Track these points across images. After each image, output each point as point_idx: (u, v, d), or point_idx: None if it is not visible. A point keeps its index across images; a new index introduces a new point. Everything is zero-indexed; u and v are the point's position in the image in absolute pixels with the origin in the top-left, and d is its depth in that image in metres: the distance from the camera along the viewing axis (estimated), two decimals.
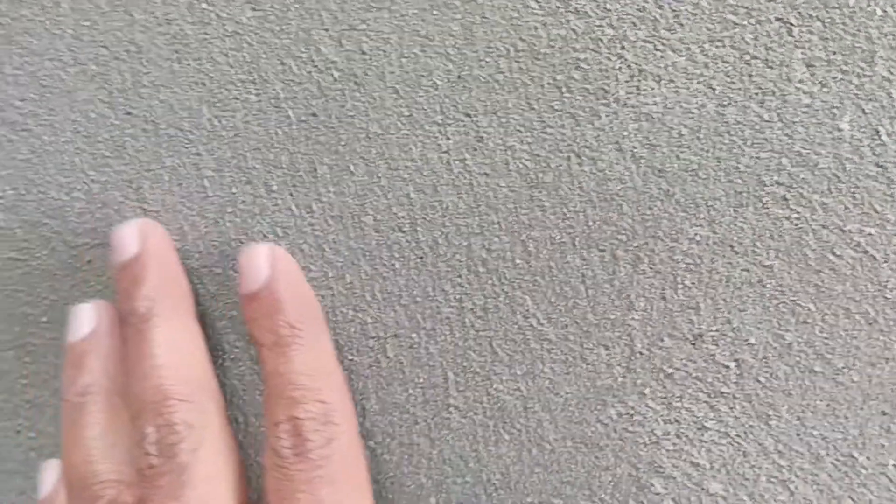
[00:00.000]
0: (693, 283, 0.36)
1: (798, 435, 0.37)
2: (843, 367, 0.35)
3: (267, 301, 0.37)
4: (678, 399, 0.38)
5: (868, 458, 0.36)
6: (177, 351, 0.37)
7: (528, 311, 0.38)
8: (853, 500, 0.37)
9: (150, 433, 0.33)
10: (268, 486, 0.36)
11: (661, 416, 0.38)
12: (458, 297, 0.39)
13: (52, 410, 0.44)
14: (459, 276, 0.38)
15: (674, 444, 0.38)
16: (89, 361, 0.39)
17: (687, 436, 0.38)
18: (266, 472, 0.36)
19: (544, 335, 0.38)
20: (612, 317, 0.37)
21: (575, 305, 0.37)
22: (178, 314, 0.39)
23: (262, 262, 0.38)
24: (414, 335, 0.40)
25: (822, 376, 0.36)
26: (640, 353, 0.37)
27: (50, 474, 0.41)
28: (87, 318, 0.40)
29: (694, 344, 0.37)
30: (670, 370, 0.37)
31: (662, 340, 0.37)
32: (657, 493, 0.39)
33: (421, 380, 0.41)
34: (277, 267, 0.38)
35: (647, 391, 0.38)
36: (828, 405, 0.36)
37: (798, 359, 0.36)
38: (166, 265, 0.39)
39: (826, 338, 0.35)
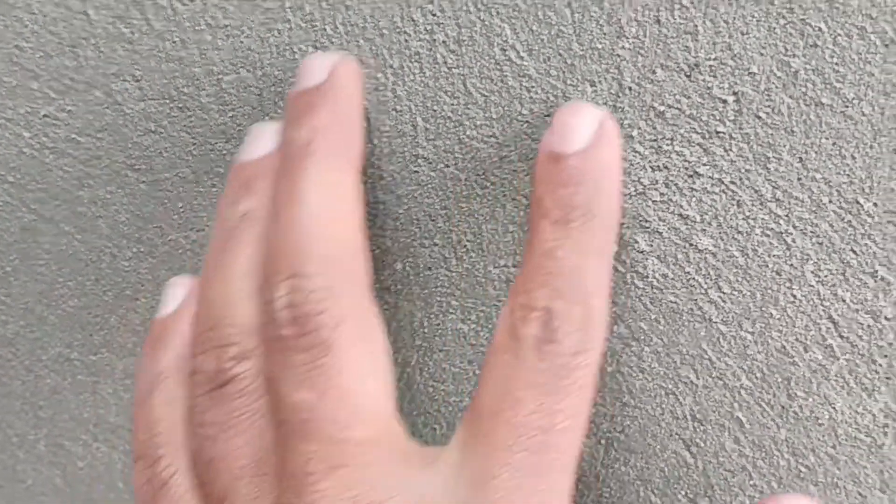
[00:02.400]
0: (691, 2, 0.32)
1: (799, 179, 0.33)
2: (854, 98, 0.31)
3: (581, 169, 0.31)
4: (668, 141, 0.34)
5: (875, 205, 0.32)
6: (329, 201, 0.31)
7: (506, 42, 0.34)
8: (855, 252, 0.33)
9: (281, 296, 0.27)
10: (487, 371, 0.30)
11: (649, 161, 0.34)
12: (428, 27, 0.34)
13: None
14: (431, 3, 0.34)
15: (661, 195, 0.35)
16: (257, 184, 0.33)
17: (676, 184, 0.34)
18: (492, 355, 0.30)
19: (524, 70, 0.34)
20: (600, 46, 0.33)
21: (559, 34, 0.33)
22: (342, 161, 0.32)
23: (587, 121, 0.31)
24: (379, 75, 0.36)
25: (830, 109, 0.32)
26: (629, 89, 0.33)
27: (177, 291, 0.36)
28: (267, 139, 0.34)
29: (689, 76, 0.33)
30: (661, 107, 0.33)
31: (654, 73, 0.33)
32: (641, 251, 0.36)
33: (387, 127, 0.37)
34: (605, 132, 0.32)
35: (634, 133, 0.34)
36: (834, 144, 0.32)
37: (804, 89, 0.32)
38: (347, 107, 0.33)
39: (837, 63, 0.31)
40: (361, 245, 0.32)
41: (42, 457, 0.49)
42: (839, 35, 0.31)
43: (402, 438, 0.31)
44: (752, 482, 0.38)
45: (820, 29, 0.31)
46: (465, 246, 0.37)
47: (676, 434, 0.38)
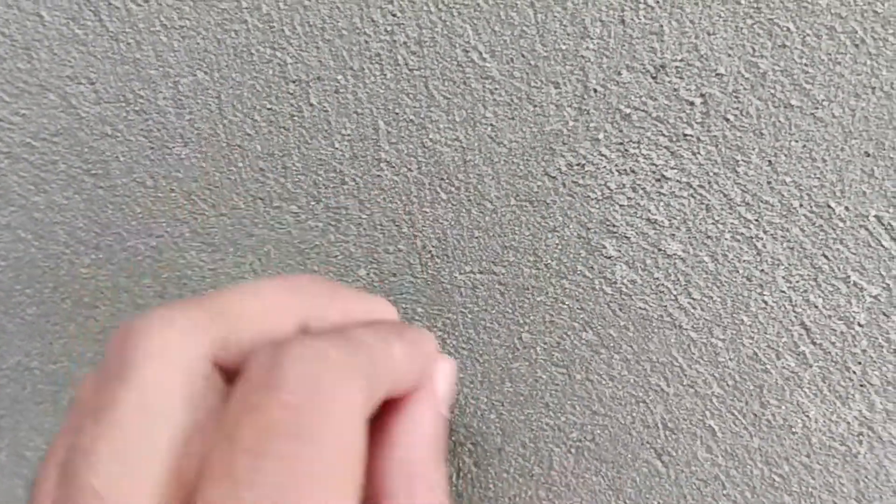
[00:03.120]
0: (656, 2, 0.31)
1: (768, 183, 0.32)
2: (824, 100, 0.30)
3: None
4: (635, 144, 0.33)
5: (846, 209, 0.31)
6: None
7: (468, 43, 0.33)
8: (827, 257, 0.32)
9: None
10: None
11: (616, 165, 0.33)
12: (388, 28, 0.33)
13: None
14: (391, 2, 0.33)
15: (629, 199, 0.34)
16: None
17: (644, 188, 0.33)
18: None
19: (487, 72, 0.33)
20: (564, 47, 0.32)
21: (522, 34, 0.32)
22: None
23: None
24: (339, 77, 0.35)
25: (800, 111, 0.31)
26: (595, 91, 0.32)
27: None
28: None
29: (655, 77, 0.32)
30: (627, 110, 0.32)
31: (620, 74, 0.32)
32: (608, 257, 0.35)
33: (348, 131, 0.35)
34: None
35: (600, 136, 0.33)
36: (804, 146, 0.31)
37: (773, 91, 0.31)
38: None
39: (806, 64, 0.30)
40: None
41: (3, 467, 0.48)
42: (808, 35, 0.30)
43: None
44: (724, 492, 0.37)
45: (788, 29, 0.30)
46: (429, 252, 0.36)
47: (648, 443, 0.37)
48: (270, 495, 0.20)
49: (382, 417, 0.28)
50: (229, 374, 0.25)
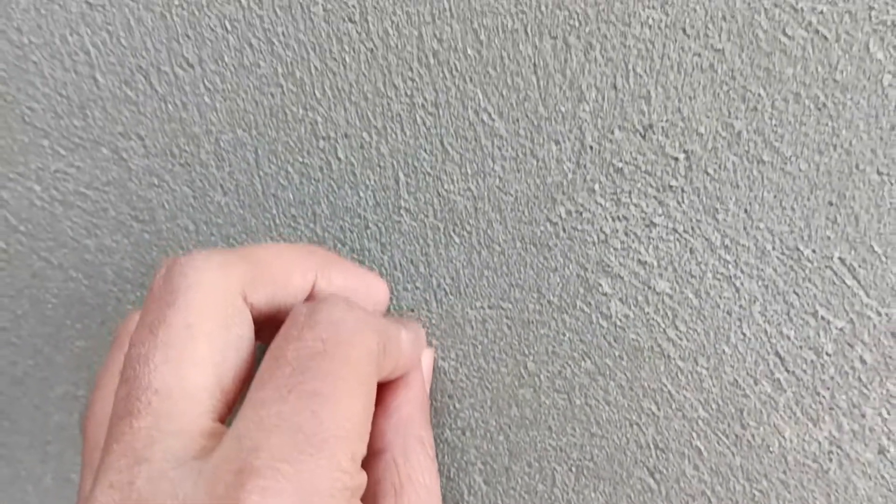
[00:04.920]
0: (644, 71, 0.34)
1: (745, 228, 0.36)
2: (791, 156, 0.34)
3: None
4: (627, 194, 0.36)
5: (813, 251, 0.35)
6: None
7: (479, 105, 0.37)
8: (797, 294, 0.36)
9: None
10: None
11: (610, 212, 0.37)
12: (408, 92, 0.37)
13: None
14: (410, 70, 0.36)
15: (622, 242, 0.37)
16: None
17: (635, 233, 0.37)
18: None
19: (495, 130, 0.37)
20: (564, 109, 0.36)
21: (526, 98, 0.36)
22: None
23: None
24: (364, 134, 0.39)
25: (770, 166, 0.34)
26: (591, 147, 0.36)
27: None
28: None
29: (644, 136, 0.35)
30: (620, 164, 0.36)
31: (613, 133, 0.36)
32: (604, 294, 0.38)
33: (372, 182, 0.39)
34: None
35: (596, 187, 0.37)
36: (775, 196, 0.35)
37: (747, 148, 0.34)
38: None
39: (775, 125, 0.34)
40: None
41: (49, 490, 0.51)
42: (777, 100, 0.34)
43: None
44: None
45: (759, 94, 0.34)
46: (444, 289, 0.40)
47: (641, 462, 0.40)
48: (308, 398, 0.25)
49: (381, 393, 0.34)
50: (256, 315, 0.31)
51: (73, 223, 0.43)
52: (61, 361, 0.46)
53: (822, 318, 0.36)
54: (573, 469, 0.40)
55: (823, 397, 0.37)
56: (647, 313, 0.37)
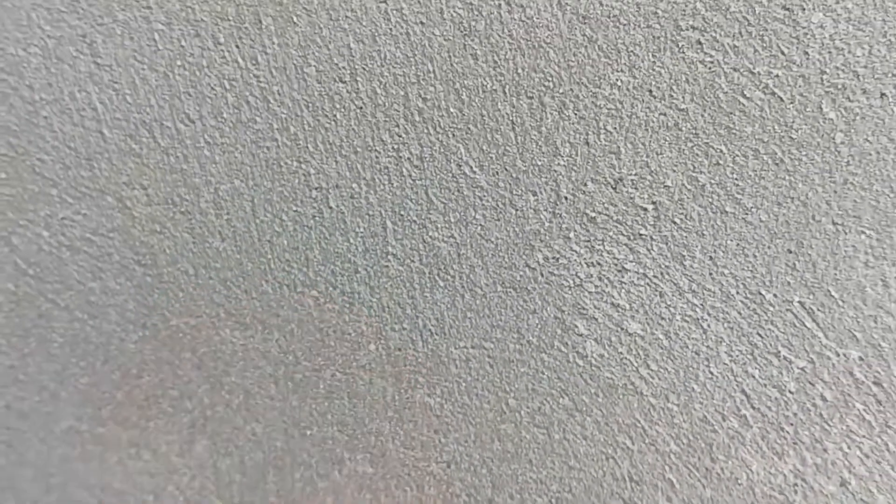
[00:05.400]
0: (614, 129, 0.37)
1: (710, 274, 0.38)
2: (752, 207, 0.36)
3: None
4: (600, 242, 0.39)
5: (775, 296, 0.37)
6: None
7: (461, 159, 0.39)
8: (761, 335, 0.38)
9: None
10: None
11: (585, 259, 0.39)
12: (395, 146, 0.39)
13: None
14: (397, 126, 0.39)
15: (596, 287, 0.40)
16: None
17: (608, 278, 0.39)
18: None
19: (476, 182, 0.39)
20: (540, 163, 0.38)
21: (505, 153, 0.38)
22: None
23: None
24: (354, 185, 0.41)
25: (733, 217, 0.37)
26: (566, 198, 0.38)
27: None
28: None
29: (615, 188, 0.38)
30: (593, 214, 0.38)
31: (586, 185, 0.38)
32: (580, 335, 0.40)
33: (361, 229, 0.41)
34: None
35: (571, 235, 0.39)
36: (738, 244, 0.37)
37: (711, 199, 0.37)
38: None
39: (737, 178, 0.36)
40: None
41: None
42: (737, 155, 0.36)
43: None
44: None
45: (721, 150, 0.36)
46: (429, 330, 0.42)
47: (616, 493, 0.42)
48: None
49: None
50: None
51: (79, 267, 0.45)
52: (65, 397, 0.48)
53: (785, 357, 0.38)
54: (553, 501, 0.42)
55: (787, 432, 0.39)
56: (621, 353, 0.40)
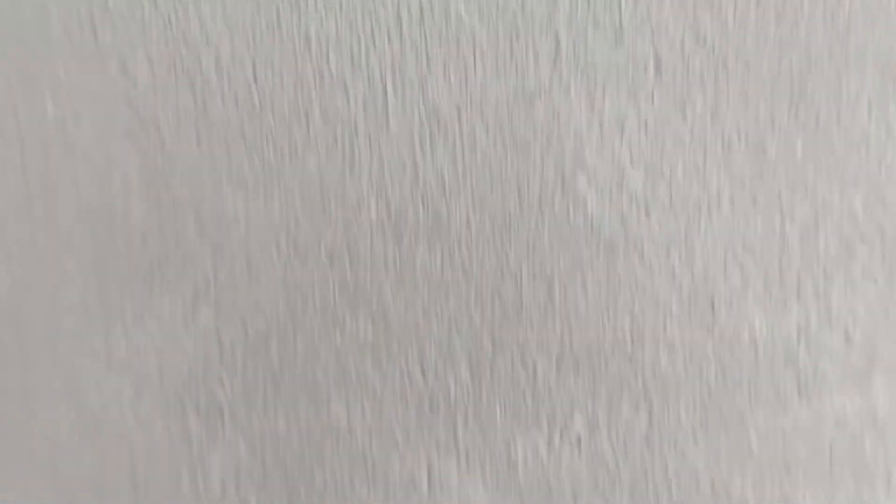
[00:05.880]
0: None
1: (712, 125, 0.38)
2: (754, 56, 0.36)
3: None
4: (601, 95, 0.38)
5: (777, 145, 0.37)
6: None
7: (460, 13, 0.38)
8: (762, 186, 0.38)
9: None
10: None
11: (585, 113, 0.39)
12: (395, 4, 0.39)
13: None
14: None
15: (596, 140, 0.39)
16: None
17: (609, 131, 0.39)
18: None
19: (476, 38, 0.39)
20: (539, 16, 0.38)
21: (505, 6, 0.38)
22: None
23: None
24: (354, 44, 0.40)
25: (734, 66, 0.36)
26: (566, 52, 0.38)
27: None
28: None
29: (615, 39, 0.37)
30: (593, 67, 0.38)
31: (586, 38, 0.38)
32: (581, 190, 0.40)
33: (361, 89, 0.41)
34: None
35: (571, 89, 0.39)
36: (739, 94, 0.37)
37: (712, 49, 0.36)
38: None
39: (738, 28, 0.36)
40: None
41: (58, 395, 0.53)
42: (739, 3, 0.36)
43: None
44: None
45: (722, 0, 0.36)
46: (429, 189, 0.42)
47: (618, 351, 0.43)
48: None
49: None
50: None
51: (83, 134, 0.45)
52: (72, 269, 0.49)
53: (787, 208, 0.38)
54: (554, 360, 0.43)
55: (790, 285, 0.39)
56: (622, 207, 0.40)
